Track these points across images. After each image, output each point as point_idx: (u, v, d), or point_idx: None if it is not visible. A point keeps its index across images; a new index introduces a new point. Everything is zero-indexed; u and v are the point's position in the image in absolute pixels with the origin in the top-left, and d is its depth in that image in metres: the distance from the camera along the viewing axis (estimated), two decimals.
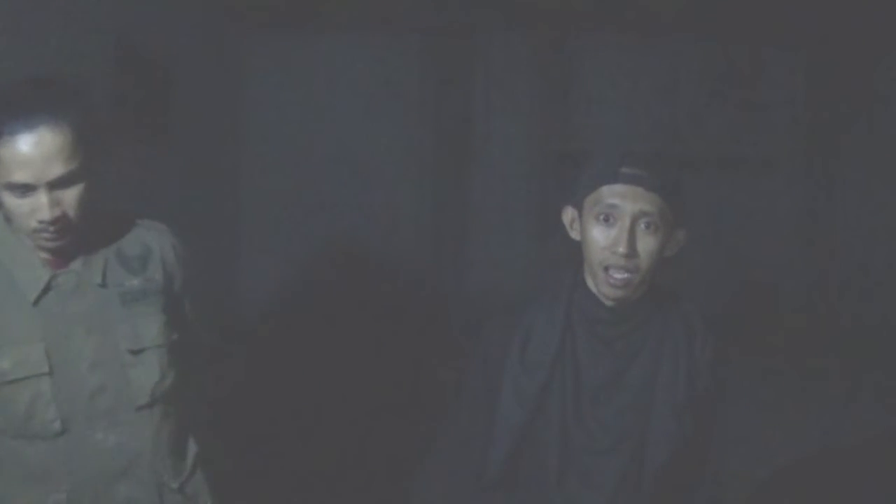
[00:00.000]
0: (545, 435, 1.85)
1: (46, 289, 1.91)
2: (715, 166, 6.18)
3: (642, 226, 1.78)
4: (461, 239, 6.23)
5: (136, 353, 1.96)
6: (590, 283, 1.87)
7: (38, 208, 1.80)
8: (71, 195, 1.83)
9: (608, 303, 1.84)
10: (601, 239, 1.80)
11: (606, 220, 1.79)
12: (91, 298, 1.94)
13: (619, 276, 1.79)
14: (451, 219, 6.24)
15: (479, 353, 1.95)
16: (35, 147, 1.77)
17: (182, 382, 2.06)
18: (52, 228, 1.82)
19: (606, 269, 1.80)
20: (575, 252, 1.93)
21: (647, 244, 1.78)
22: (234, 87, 5.92)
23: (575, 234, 1.89)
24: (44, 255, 1.90)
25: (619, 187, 1.79)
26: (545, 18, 5.99)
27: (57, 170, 1.79)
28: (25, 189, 1.79)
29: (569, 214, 1.91)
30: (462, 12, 6.02)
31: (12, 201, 1.82)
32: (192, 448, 2.13)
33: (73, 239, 1.89)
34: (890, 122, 5.92)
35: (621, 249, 1.77)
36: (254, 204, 6.05)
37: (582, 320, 1.87)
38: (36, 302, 1.90)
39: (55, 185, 1.80)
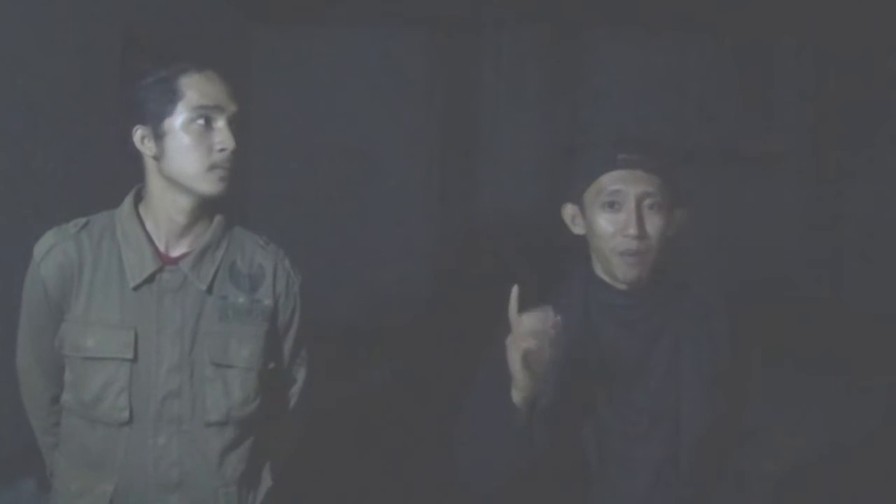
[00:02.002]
0: (580, 426, 1.85)
1: (150, 279, 1.89)
2: (723, 161, 6.17)
3: (647, 206, 1.81)
4: (469, 231, 6.23)
5: (219, 367, 1.92)
6: (600, 272, 1.89)
7: (221, 139, 1.86)
8: (235, 136, 1.89)
9: (622, 286, 1.86)
10: (610, 226, 1.82)
11: (612, 206, 1.82)
12: (191, 302, 1.91)
13: (633, 257, 1.81)
14: (458, 211, 6.25)
15: (494, 359, 1.91)
16: (220, 81, 1.91)
17: (267, 412, 2.01)
18: (229, 163, 1.87)
19: (620, 253, 1.82)
20: (581, 246, 1.94)
21: (654, 223, 1.81)
22: (242, 79, 5.92)
23: (578, 229, 1.91)
24: (210, 195, 1.89)
25: (619, 173, 1.82)
26: (553, 13, 5.99)
27: (235, 105, 1.90)
28: (210, 115, 1.86)
29: (569, 211, 1.92)
30: (470, 6, 6.02)
31: (189, 137, 1.85)
32: (265, 481, 2.05)
33: (230, 190, 1.91)
34: None
35: (632, 231, 1.79)
36: (261, 195, 6.06)
37: (601, 309, 1.88)
38: (136, 289, 1.88)
39: (231, 119, 1.88)
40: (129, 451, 1.90)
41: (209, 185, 1.86)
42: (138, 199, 1.94)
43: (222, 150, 1.85)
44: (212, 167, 1.85)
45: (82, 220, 1.94)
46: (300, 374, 2.10)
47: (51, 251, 1.89)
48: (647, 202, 1.82)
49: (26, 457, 2.15)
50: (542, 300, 1.85)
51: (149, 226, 1.91)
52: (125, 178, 1.99)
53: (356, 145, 6.12)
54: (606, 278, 1.89)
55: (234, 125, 1.88)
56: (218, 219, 1.96)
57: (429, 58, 6.22)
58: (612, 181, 1.83)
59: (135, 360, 1.87)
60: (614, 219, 1.83)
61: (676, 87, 6.20)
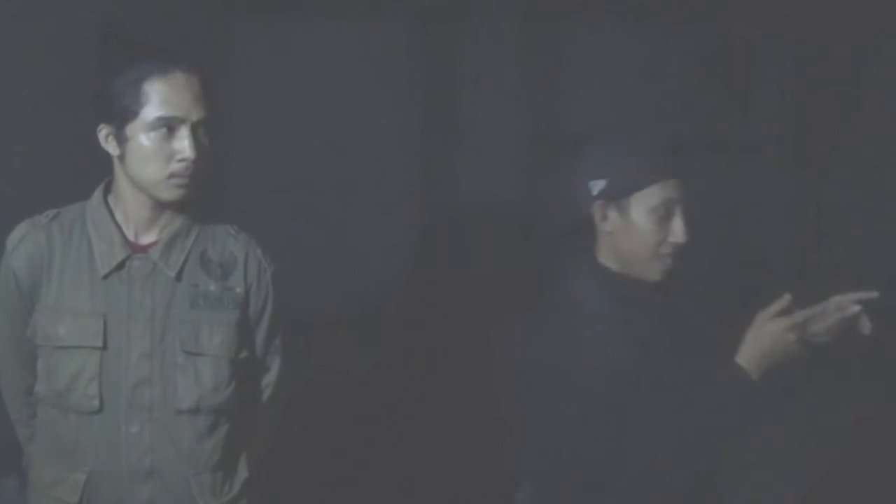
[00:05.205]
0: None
1: (119, 267, 1.90)
2: (704, 150, 6.17)
3: (683, 213, 1.85)
4: (449, 222, 6.22)
5: (190, 355, 1.91)
6: (618, 268, 1.90)
7: (181, 149, 1.84)
8: (201, 143, 1.88)
9: (646, 280, 1.89)
10: (658, 231, 1.86)
11: (666, 212, 1.85)
12: (161, 290, 1.91)
13: (672, 262, 1.85)
14: (439, 202, 6.23)
15: (526, 359, 1.90)
16: (186, 86, 1.87)
17: (240, 401, 2.01)
18: (189, 171, 1.85)
19: (662, 257, 1.85)
20: (581, 240, 1.94)
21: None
22: (219, 71, 5.88)
23: (607, 227, 1.91)
24: (168, 201, 1.89)
25: (675, 181, 1.86)
26: (534, 1, 5.98)
27: (201, 111, 1.87)
28: (172, 125, 1.84)
29: (600, 209, 1.92)
30: None
31: (150, 145, 1.84)
32: (241, 473, 2.04)
33: (192, 194, 1.90)
34: (880, 107, 5.92)
35: (684, 239, 1.83)
36: (240, 189, 6.03)
37: (632, 305, 1.89)
38: (106, 277, 1.89)
39: (196, 127, 1.86)
40: (100, 440, 1.91)
41: (167, 193, 1.89)
42: (108, 190, 1.95)
43: (182, 160, 1.85)
44: (171, 175, 1.86)
45: (53, 211, 1.96)
46: (274, 364, 2.10)
47: (22, 241, 1.92)
48: (682, 208, 1.87)
49: (8, 454, 2.16)
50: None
51: (118, 216, 1.94)
52: (103, 172, 1.99)
53: (335, 137, 6.09)
54: (631, 273, 1.92)
55: (201, 131, 1.88)
56: (188, 207, 1.97)
57: (408, 48, 6.19)
58: (669, 188, 1.88)
59: (105, 348, 1.88)
60: (664, 225, 1.86)
61: (657, 77, 6.21)
